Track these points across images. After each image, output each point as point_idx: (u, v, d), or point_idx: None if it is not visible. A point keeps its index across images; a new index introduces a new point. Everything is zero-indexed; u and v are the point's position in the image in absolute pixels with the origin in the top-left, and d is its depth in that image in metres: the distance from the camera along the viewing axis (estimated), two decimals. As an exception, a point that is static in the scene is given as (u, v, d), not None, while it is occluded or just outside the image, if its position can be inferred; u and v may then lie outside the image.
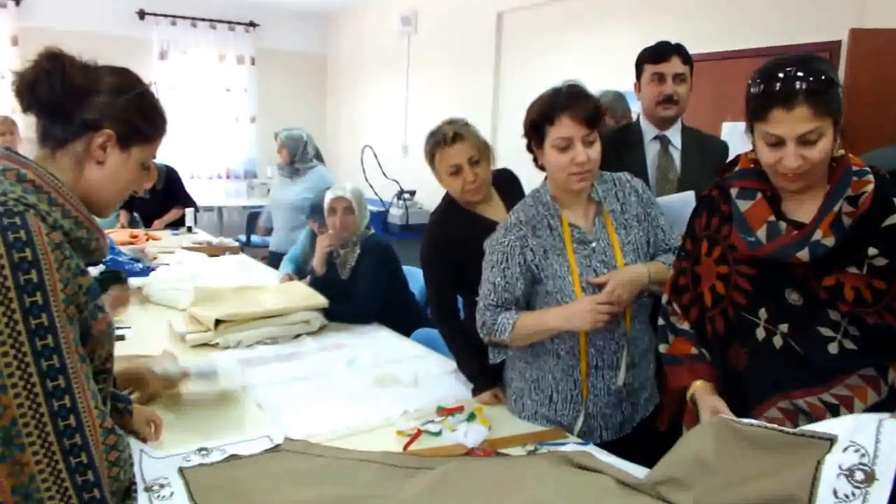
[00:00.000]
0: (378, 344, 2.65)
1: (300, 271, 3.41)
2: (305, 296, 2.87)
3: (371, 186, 6.12)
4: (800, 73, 1.33)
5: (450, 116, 2.25)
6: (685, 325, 1.62)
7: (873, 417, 1.23)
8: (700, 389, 1.55)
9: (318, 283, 2.99)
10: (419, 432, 1.81)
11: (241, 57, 7.84)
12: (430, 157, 2.20)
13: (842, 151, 1.42)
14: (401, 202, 5.97)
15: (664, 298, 1.69)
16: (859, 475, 1.18)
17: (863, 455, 1.19)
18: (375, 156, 6.31)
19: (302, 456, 1.68)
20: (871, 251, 1.37)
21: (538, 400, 1.88)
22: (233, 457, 1.67)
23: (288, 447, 1.72)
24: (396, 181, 6.08)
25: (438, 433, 1.82)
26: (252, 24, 7.82)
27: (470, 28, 5.95)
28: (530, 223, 1.82)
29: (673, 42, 2.43)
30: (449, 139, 2.13)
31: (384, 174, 6.20)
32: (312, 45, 8.31)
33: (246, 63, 7.87)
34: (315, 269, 3.09)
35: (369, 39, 7.48)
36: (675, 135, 2.45)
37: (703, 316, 1.57)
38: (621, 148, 2.38)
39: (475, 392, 2.08)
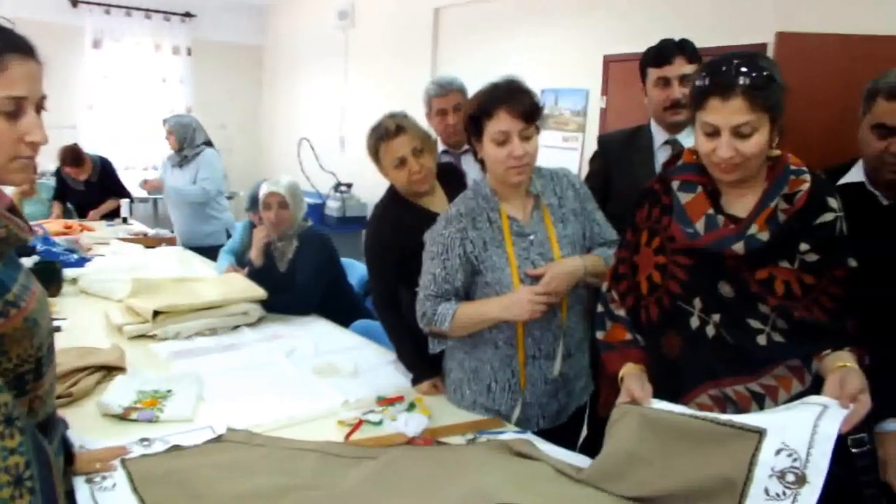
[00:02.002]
0: (317, 335, 2.59)
1: (239, 263, 3.33)
2: (244, 287, 2.79)
3: (308, 179, 6.02)
4: (741, 68, 1.34)
5: (389, 111, 2.20)
6: (622, 312, 1.62)
7: (807, 419, 1.23)
8: (628, 373, 1.54)
9: (255, 275, 2.91)
10: (360, 422, 1.78)
11: (176, 47, 7.55)
12: (374, 151, 2.15)
13: (777, 152, 1.44)
14: (338, 195, 5.89)
15: (604, 286, 1.69)
16: (790, 477, 1.19)
17: (795, 459, 1.20)
18: (312, 148, 6.20)
19: (244, 446, 1.64)
20: (804, 247, 1.39)
21: (477, 389, 1.88)
22: (175, 447, 1.62)
23: (230, 437, 1.68)
24: (333, 174, 6.00)
25: (379, 423, 1.79)
26: (188, 15, 7.54)
27: (407, 23, 5.90)
28: (470, 215, 1.81)
29: (678, 39, 2.23)
30: (392, 132, 2.09)
31: (321, 167, 6.12)
32: (249, 36, 8.06)
33: (182, 53, 7.58)
34: (253, 261, 3.01)
35: (306, 32, 7.32)
36: (687, 139, 2.20)
37: (638, 303, 1.58)
38: (631, 152, 2.28)
39: (415, 382, 2.06)
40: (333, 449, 1.62)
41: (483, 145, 1.75)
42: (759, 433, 1.24)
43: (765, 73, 1.34)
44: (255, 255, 3.00)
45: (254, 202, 3.18)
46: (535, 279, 1.74)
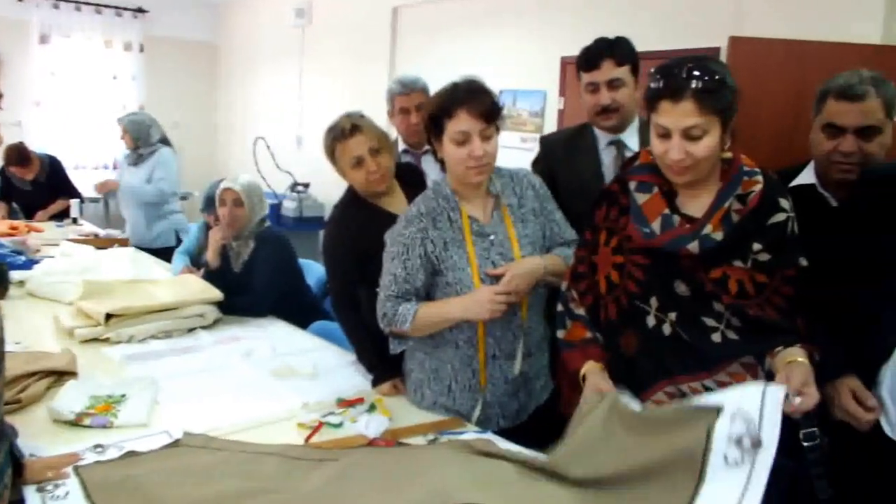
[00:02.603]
0: (274, 336, 2.56)
1: (194, 264, 3.27)
2: (199, 289, 2.73)
3: (264, 179, 5.94)
4: (692, 71, 1.36)
5: (346, 110, 2.18)
6: (581, 311, 1.64)
7: (757, 386, 1.29)
8: (589, 370, 1.57)
9: (211, 277, 2.86)
10: (320, 424, 1.76)
11: (128, 43, 7.38)
12: (331, 152, 2.13)
13: (729, 154, 1.47)
14: (294, 195, 5.82)
15: (564, 285, 1.70)
16: (747, 442, 1.23)
17: (749, 423, 1.25)
18: (268, 148, 6.12)
19: (202, 450, 1.60)
20: (756, 246, 1.43)
21: (437, 390, 1.87)
22: (130, 453, 1.58)
23: (187, 442, 1.64)
24: (290, 173, 5.93)
25: (339, 425, 1.78)
26: (140, 10, 7.37)
27: (365, 22, 5.87)
28: (431, 215, 1.80)
29: (610, 38, 2.17)
30: (348, 131, 2.08)
31: (277, 166, 6.04)
32: (203, 33, 7.92)
33: (134, 50, 7.42)
34: (208, 262, 2.95)
35: (262, 30, 7.22)
36: (631, 137, 2.22)
37: (597, 302, 1.60)
38: (574, 153, 2.25)
39: (375, 383, 2.05)
40: (293, 452, 1.60)
41: (443, 145, 1.75)
42: (717, 410, 1.29)
43: (716, 77, 1.37)
44: (210, 256, 2.94)
45: (209, 202, 3.12)
46: (496, 279, 1.75)
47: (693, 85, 1.36)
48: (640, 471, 1.32)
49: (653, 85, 1.42)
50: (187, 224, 4.45)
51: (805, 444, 1.31)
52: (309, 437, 1.72)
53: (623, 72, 2.13)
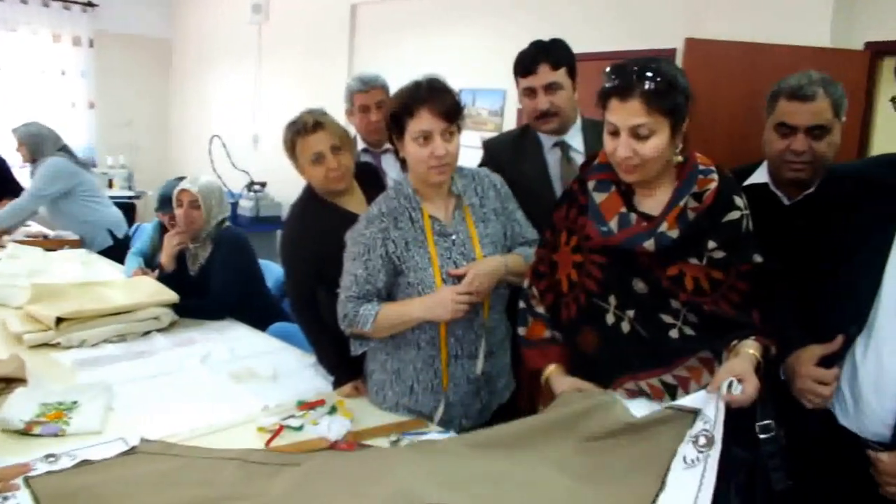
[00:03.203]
0: (233, 339, 2.53)
1: (148, 265, 3.19)
2: (154, 291, 2.68)
3: (220, 177, 5.84)
4: (644, 72, 1.40)
5: (304, 109, 2.17)
6: (541, 309, 1.66)
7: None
8: (553, 373, 1.60)
9: (166, 280, 2.80)
10: (281, 428, 1.75)
11: (77, 38, 7.16)
12: (291, 146, 2.11)
13: (680, 158, 1.50)
14: (251, 194, 5.75)
15: (525, 283, 1.72)
16: (702, 440, 1.27)
17: (706, 422, 1.29)
18: (224, 146, 6.04)
19: (159, 457, 1.57)
20: (711, 244, 1.46)
21: (399, 391, 1.87)
22: (84, 462, 1.54)
23: (144, 449, 1.61)
24: (246, 172, 5.85)
25: (300, 428, 1.76)
26: (90, 4, 7.16)
27: (323, 19, 5.81)
28: (392, 215, 1.80)
29: (546, 40, 2.18)
30: (310, 127, 2.07)
31: (234, 165, 5.96)
32: (156, 28, 7.73)
33: (83, 45, 7.20)
34: (163, 266, 2.88)
35: (218, 26, 7.10)
36: (575, 138, 2.24)
37: (558, 301, 1.62)
38: (519, 155, 2.24)
39: (336, 385, 2.03)
40: (254, 457, 1.58)
41: (404, 144, 1.75)
42: (695, 413, 1.32)
43: (666, 80, 1.40)
44: (165, 260, 2.87)
45: (164, 202, 3.06)
46: (458, 279, 1.75)
47: (642, 85, 1.39)
48: (607, 469, 1.34)
49: (605, 83, 1.45)
50: (122, 220, 4.35)
51: (761, 436, 1.34)
52: (269, 440, 1.70)
53: (560, 75, 2.14)
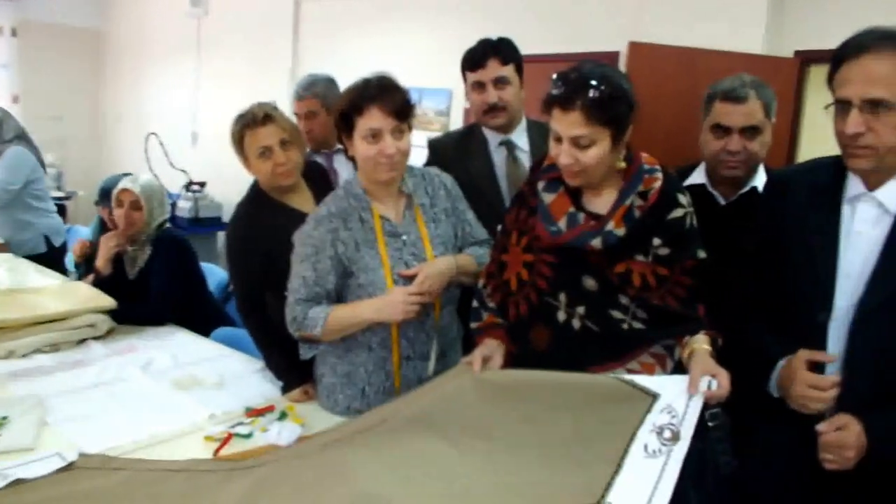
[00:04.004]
0: (175, 345, 2.47)
1: (89, 265, 3.07)
2: (89, 296, 2.60)
3: (157, 177, 5.69)
4: (587, 81, 1.43)
5: (243, 107, 2.14)
6: (494, 305, 1.69)
7: (685, 381, 1.39)
8: (483, 342, 1.63)
9: (102, 284, 2.71)
10: (229, 436, 1.72)
11: (-1, 29, 6.87)
12: (238, 139, 2.09)
13: (623, 164, 1.54)
14: (190, 194, 5.61)
15: (480, 282, 1.74)
16: (667, 434, 1.32)
17: (674, 416, 1.33)
18: (161, 144, 5.88)
19: (100, 472, 1.52)
20: (656, 241, 1.51)
21: (351, 394, 1.87)
22: (18, 481, 1.47)
23: (83, 464, 1.55)
24: (185, 171, 5.71)
25: (249, 435, 1.74)
26: (12, -7, 6.87)
27: (266, 14, 5.71)
28: (341, 215, 1.79)
29: (494, 38, 2.21)
30: (259, 119, 2.05)
31: (171, 164, 5.81)
32: (86, 18, 7.43)
33: (6, 34, 6.90)
34: (98, 270, 2.78)
35: (154, 18, 6.89)
36: (520, 136, 2.27)
37: (506, 300, 1.65)
38: (465, 155, 2.26)
39: (285, 390, 2.01)
40: (202, 466, 1.55)
41: (354, 143, 1.74)
42: (655, 396, 1.37)
43: (609, 91, 1.43)
44: (100, 263, 2.77)
45: (105, 195, 2.95)
46: (409, 280, 1.76)
47: (583, 97, 1.42)
48: (560, 445, 1.38)
49: (551, 89, 1.48)
50: (61, 225, 4.19)
51: (709, 423, 1.40)
52: (218, 449, 1.68)
53: (508, 70, 2.17)
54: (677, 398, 1.38)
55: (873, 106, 1.32)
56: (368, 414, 1.66)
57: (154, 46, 6.93)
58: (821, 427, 1.40)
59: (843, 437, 1.37)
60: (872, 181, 1.42)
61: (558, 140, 1.49)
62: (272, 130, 2.06)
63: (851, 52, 1.36)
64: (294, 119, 2.35)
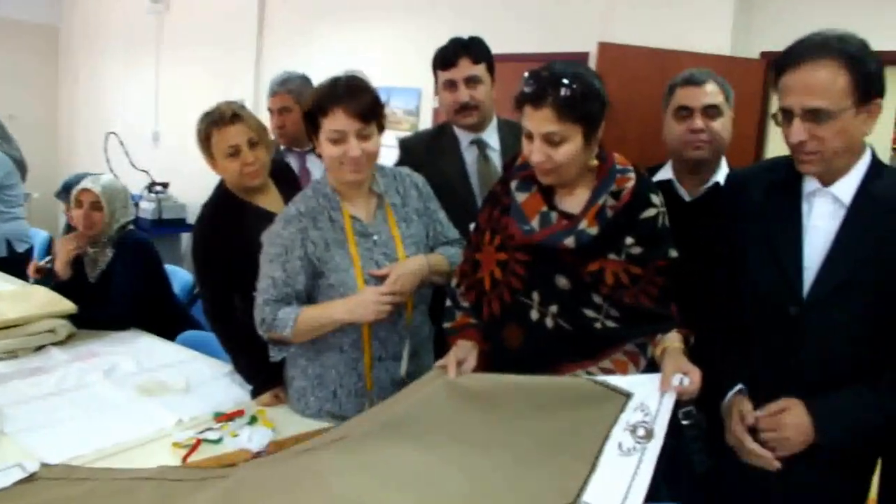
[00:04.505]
0: (139, 350, 2.43)
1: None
2: (48, 301, 2.53)
3: (117, 178, 5.58)
4: (559, 79, 1.45)
5: (207, 106, 2.12)
6: (467, 304, 1.70)
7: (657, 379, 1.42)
8: (459, 344, 1.64)
9: (61, 288, 2.64)
10: (198, 442, 1.70)
11: (-53, 24, 6.66)
12: (205, 137, 2.06)
13: (595, 162, 1.56)
14: (152, 195, 5.50)
15: (453, 282, 1.75)
16: (641, 431, 1.34)
17: (647, 414, 1.36)
18: (122, 144, 5.77)
19: (64, 483, 1.48)
20: (629, 240, 1.53)
21: (322, 396, 1.86)
22: (-24, 495, 1.43)
23: (46, 475, 1.51)
24: (147, 172, 5.61)
25: (219, 441, 1.72)
26: (-38, -13, 6.67)
27: (229, 10, 5.63)
28: (311, 215, 1.78)
29: (465, 37, 2.23)
30: (227, 118, 2.03)
31: (132, 164, 5.70)
32: (41, 13, 7.22)
33: (-45, 32, 6.70)
34: (57, 273, 2.71)
35: (112, 14, 6.75)
36: (491, 135, 2.29)
37: (480, 299, 1.66)
38: (436, 154, 2.26)
39: (255, 394, 1.99)
40: (171, 474, 1.52)
41: (320, 142, 1.73)
42: (628, 396, 1.39)
43: (580, 89, 1.45)
44: (59, 266, 2.70)
45: (67, 189, 2.88)
46: (380, 280, 1.75)
47: (554, 95, 1.44)
48: (535, 447, 1.39)
49: (523, 88, 1.50)
50: (27, 232, 4.08)
51: (683, 422, 1.43)
52: (186, 456, 1.65)
53: (480, 69, 2.19)
54: (650, 396, 1.40)
55: (814, 115, 1.36)
56: (343, 425, 1.65)
57: (113, 43, 6.79)
58: (759, 412, 1.45)
59: (778, 420, 1.42)
60: (826, 178, 1.46)
61: (530, 138, 1.50)
62: (240, 129, 2.04)
63: (791, 62, 1.40)
64: (262, 117, 2.32)
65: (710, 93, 1.94)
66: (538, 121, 1.47)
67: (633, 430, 1.36)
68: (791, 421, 1.42)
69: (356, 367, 1.83)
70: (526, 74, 1.51)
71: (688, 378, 1.40)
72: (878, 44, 1.42)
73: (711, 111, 1.93)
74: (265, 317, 1.78)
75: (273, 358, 1.88)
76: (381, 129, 1.75)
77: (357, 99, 1.69)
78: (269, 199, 2.14)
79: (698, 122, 1.92)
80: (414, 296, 1.83)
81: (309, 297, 1.82)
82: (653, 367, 1.53)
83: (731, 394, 1.53)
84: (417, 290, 1.82)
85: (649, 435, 1.34)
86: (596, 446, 1.36)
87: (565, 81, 1.44)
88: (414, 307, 1.85)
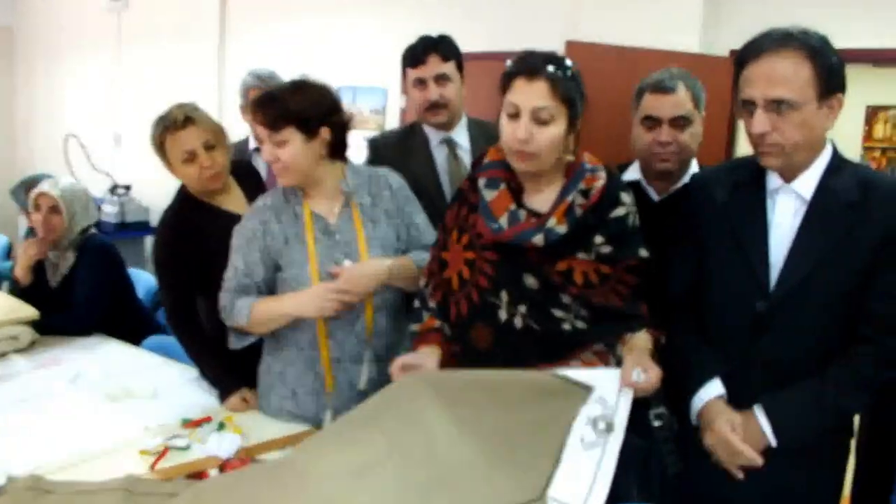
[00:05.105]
0: (104, 356, 2.41)
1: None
2: (8, 307, 2.50)
3: (78, 181, 5.49)
4: (551, 59, 1.49)
5: (169, 105, 2.10)
6: (435, 304, 1.70)
7: (616, 370, 1.44)
8: (420, 350, 1.64)
9: (23, 294, 2.61)
10: (166, 450, 1.69)
11: None
12: (160, 144, 2.05)
13: (570, 157, 1.58)
14: (115, 198, 5.44)
15: (422, 282, 1.75)
16: (601, 425, 1.36)
17: (606, 406, 1.38)
18: (82, 146, 5.69)
19: (30, 495, 1.45)
20: (599, 239, 1.54)
21: (282, 394, 1.88)
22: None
23: (11, 488, 1.48)
24: (108, 174, 5.54)
25: (187, 448, 1.71)
26: None
27: (190, 7, 5.57)
28: (275, 208, 1.82)
29: (434, 35, 2.24)
30: (180, 123, 2.02)
31: (94, 167, 5.62)
32: (-5, 14, 7.11)
33: None
34: (17, 279, 2.67)
35: (70, 13, 6.62)
36: (461, 135, 2.30)
37: (447, 299, 1.66)
38: (405, 153, 2.26)
39: (222, 397, 1.98)
40: (141, 487, 1.49)
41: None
42: (588, 389, 1.41)
43: (567, 67, 1.50)
44: (19, 272, 2.67)
45: (25, 189, 2.83)
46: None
47: (547, 67, 1.47)
48: (500, 442, 1.40)
49: (510, 67, 1.52)
50: None
51: (655, 423, 1.46)
52: (154, 463, 1.64)
53: (449, 67, 2.20)
54: (609, 390, 1.42)
55: (776, 105, 1.39)
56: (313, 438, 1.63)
57: (70, 43, 6.66)
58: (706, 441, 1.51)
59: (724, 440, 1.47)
60: (788, 175, 1.50)
61: (514, 116, 1.49)
62: (194, 133, 2.03)
63: (753, 54, 1.43)
64: (228, 116, 2.31)
65: (679, 102, 1.91)
66: (530, 94, 1.47)
67: (595, 423, 1.37)
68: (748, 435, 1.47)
69: (314, 366, 1.84)
70: (512, 59, 1.54)
71: (645, 374, 1.42)
72: (844, 42, 1.45)
73: (680, 122, 1.91)
74: (225, 304, 1.84)
75: (233, 346, 1.89)
76: (309, 134, 1.74)
77: (262, 113, 1.73)
78: (232, 200, 2.14)
79: (666, 135, 1.91)
80: (375, 299, 1.82)
81: (270, 289, 1.84)
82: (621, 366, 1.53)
83: (708, 398, 1.55)
84: (380, 294, 1.82)
85: (610, 428, 1.36)
86: (559, 441, 1.37)
87: (555, 61, 1.49)
88: (376, 311, 1.84)
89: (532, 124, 1.48)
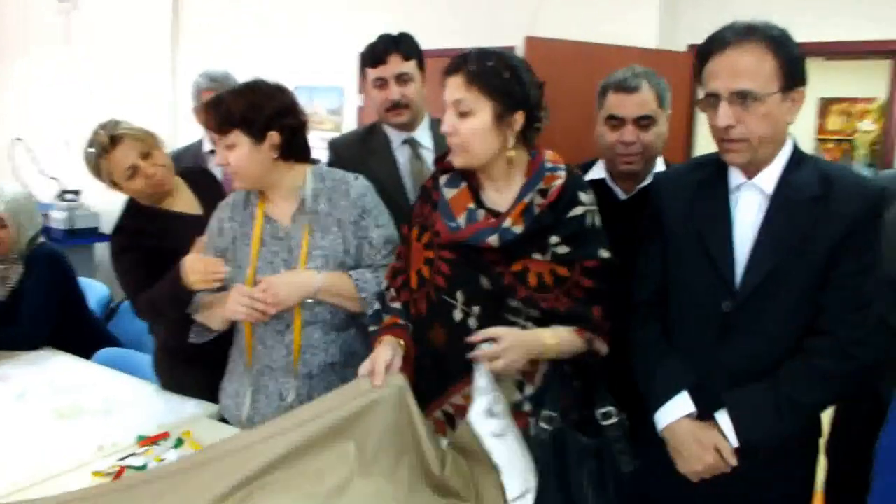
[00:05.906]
0: (53, 370, 2.34)
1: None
2: (-48, 323, 2.41)
3: (25, 187, 5.33)
4: (478, 55, 1.51)
5: (105, 117, 2.09)
6: (397, 304, 1.68)
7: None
8: (384, 340, 1.60)
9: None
10: (122, 470, 1.64)
11: None
12: (97, 171, 2.05)
13: (512, 153, 1.55)
14: (64, 204, 5.28)
15: (383, 284, 1.73)
16: (497, 409, 1.44)
17: (485, 393, 1.45)
18: (30, 150, 5.53)
19: None
20: (554, 239, 1.53)
21: (225, 395, 1.93)
22: None
23: None
24: (57, 179, 5.38)
25: (143, 467, 1.66)
26: None
27: (142, 7, 5.45)
28: (235, 206, 1.86)
29: (395, 34, 2.21)
30: (108, 145, 2.01)
31: (41, 172, 5.47)
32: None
33: None
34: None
35: (15, 14, 6.42)
36: (423, 134, 2.27)
37: (408, 299, 1.65)
38: (367, 154, 2.24)
39: (181, 280, 1.82)
40: (94, 491, 1.44)
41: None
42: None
43: (495, 65, 1.50)
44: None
45: None
46: None
47: (465, 63, 1.50)
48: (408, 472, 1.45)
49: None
50: None
51: (603, 423, 1.46)
52: (109, 483, 1.58)
53: (410, 66, 2.19)
54: (479, 379, 1.46)
55: (741, 98, 1.39)
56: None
57: (16, 43, 6.46)
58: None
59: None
60: (750, 171, 1.49)
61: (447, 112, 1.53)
62: (126, 148, 2.02)
63: (716, 47, 1.43)
64: (183, 117, 2.28)
65: (643, 101, 1.89)
66: (451, 88, 1.51)
67: (490, 412, 1.41)
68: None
69: (247, 371, 1.85)
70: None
71: (493, 344, 1.44)
72: (797, 36, 1.45)
73: (644, 121, 1.90)
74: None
75: (192, 339, 1.88)
76: (256, 137, 1.71)
77: (210, 116, 1.73)
78: (181, 201, 2.14)
79: (630, 135, 1.89)
80: (303, 312, 1.77)
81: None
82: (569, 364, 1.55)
83: (674, 418, 1.50)
84: (312, 308, 1.77)
85: (499, 402, 1.42)
86: (480, 448, 1.41)
87: (480, 57, 1.50)
88: (305, 324, 1.78)
89: (454, 116, 1.51)
